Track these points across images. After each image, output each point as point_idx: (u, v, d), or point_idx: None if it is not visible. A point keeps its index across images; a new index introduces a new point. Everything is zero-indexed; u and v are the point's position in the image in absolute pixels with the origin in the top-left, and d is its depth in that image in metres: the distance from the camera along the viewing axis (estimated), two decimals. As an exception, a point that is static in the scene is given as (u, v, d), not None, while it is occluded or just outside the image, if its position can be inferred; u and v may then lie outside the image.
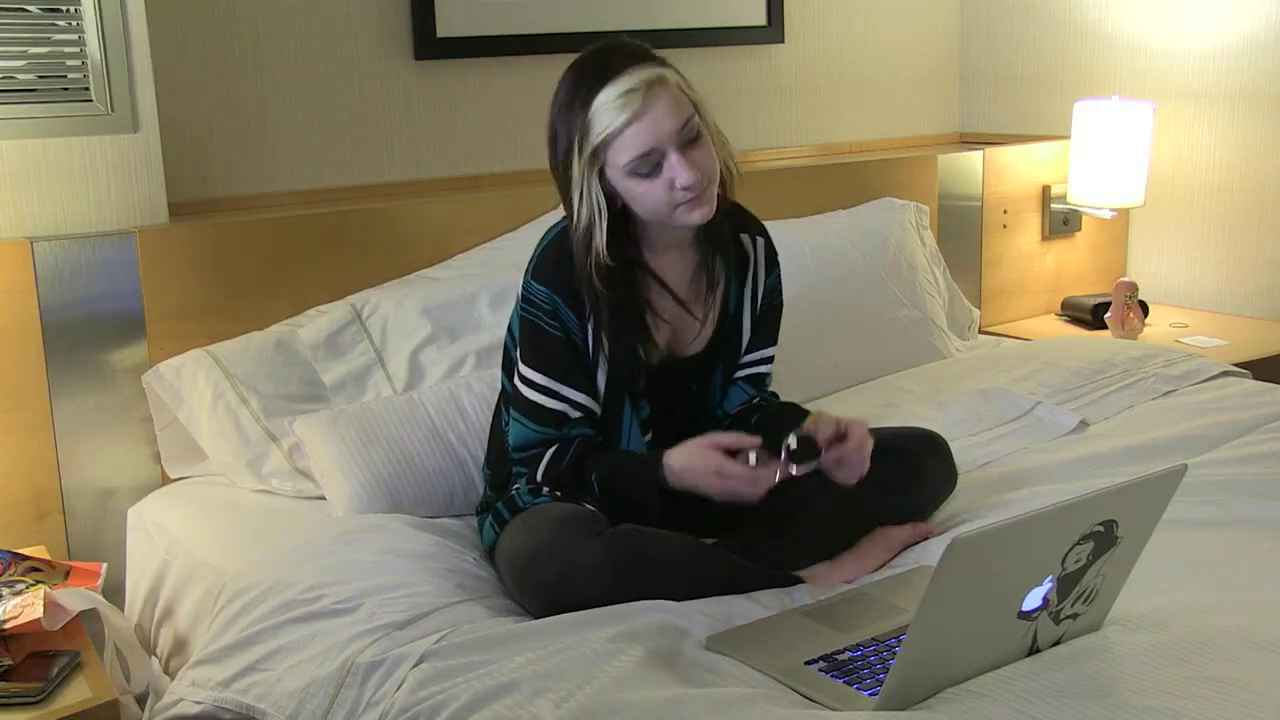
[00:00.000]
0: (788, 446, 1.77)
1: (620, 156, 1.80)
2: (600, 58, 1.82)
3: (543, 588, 1.70)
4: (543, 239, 1.94)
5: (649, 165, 1.80)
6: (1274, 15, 3.10)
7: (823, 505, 1.92)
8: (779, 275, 2.08)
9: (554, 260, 1.89)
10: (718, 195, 1.89)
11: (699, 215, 1.84)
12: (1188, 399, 2.49)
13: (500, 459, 2.01)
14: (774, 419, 1.98)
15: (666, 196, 1.82)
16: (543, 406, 1.89)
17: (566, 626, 1.60)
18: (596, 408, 1.91)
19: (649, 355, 1.93)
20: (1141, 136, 3.19)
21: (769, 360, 2.08)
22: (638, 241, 1.93)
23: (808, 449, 1.78)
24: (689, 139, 1.82)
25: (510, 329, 2.00)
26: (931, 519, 2.02)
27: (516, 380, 1.92)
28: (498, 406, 2.05)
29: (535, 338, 1.89)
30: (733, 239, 2.00)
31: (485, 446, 2.11)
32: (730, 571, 1.80)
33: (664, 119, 1.79)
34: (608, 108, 1.78)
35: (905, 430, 2.06)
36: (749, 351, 2.05)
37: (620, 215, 1.89)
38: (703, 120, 1.85)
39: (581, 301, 1.87)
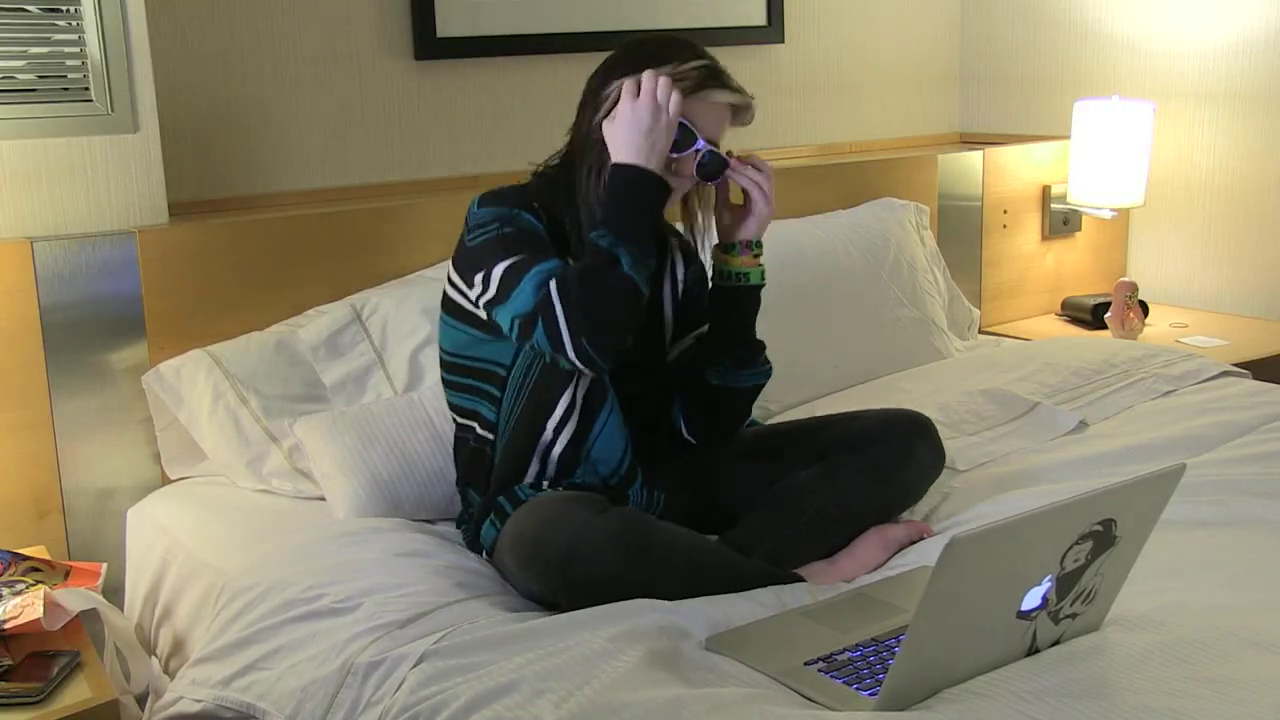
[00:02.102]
0: (699, 161, 1.88)
1: (689, 104, 1.85)
2: (705, 56, 1.91)
3: (551, 563, 1.70)
4: (476, 198, 1.94)
5: (685, 135, 1.85)
6: (1274, 15, 3.10)
7: (817, 501, 1.93)
8: (701, 265, 2.12)
9: (500, 196, 1.91)
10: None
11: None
12: (1188, 399, 2.49)
13: (471, 471, 2.01)
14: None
15: (678, 179, 1.88)
16: (524, 262, 1.83)
17: (566, 626, 1.60)
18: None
19: None
20: (1141, 136, 3.19)
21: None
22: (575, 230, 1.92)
23: (716, 162, 1.89)
24: (711, 167, 1.89)
25: (441, 344, 2.00)
26: (929, 515, 2.02)
27: (491, 291, 1.85)
28: (455, 432, 2.04)
29: (497, 244, 1.86)
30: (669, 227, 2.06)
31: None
32: (730, 563, 1.80)
33: (720, 129, 1.91)
34: (723, 91, 1.88)
35: (890, 412, 2.07)
36: (683, 335, 2.08)
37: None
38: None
39: (536, 212, 1.88)
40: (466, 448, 2.01)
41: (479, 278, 1.87)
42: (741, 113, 1.92)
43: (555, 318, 1.76)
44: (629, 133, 1.81)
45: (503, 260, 1.84)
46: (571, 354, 1.77)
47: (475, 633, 1.60)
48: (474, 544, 1.96)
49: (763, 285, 2.00)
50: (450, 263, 1.95)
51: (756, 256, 1.98)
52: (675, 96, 1.82)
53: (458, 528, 2.04)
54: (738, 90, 1.89)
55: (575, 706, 1.40)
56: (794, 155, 3.36)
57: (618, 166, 1.82)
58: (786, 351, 2.57)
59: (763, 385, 2.06)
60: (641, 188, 1.82)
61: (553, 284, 1.77)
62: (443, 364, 2.01)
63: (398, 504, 2.09)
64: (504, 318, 1.84)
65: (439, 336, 2.01)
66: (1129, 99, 3.21)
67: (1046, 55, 3.53)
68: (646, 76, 1.83)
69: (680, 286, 2.08)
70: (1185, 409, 2.42)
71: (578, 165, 1.91)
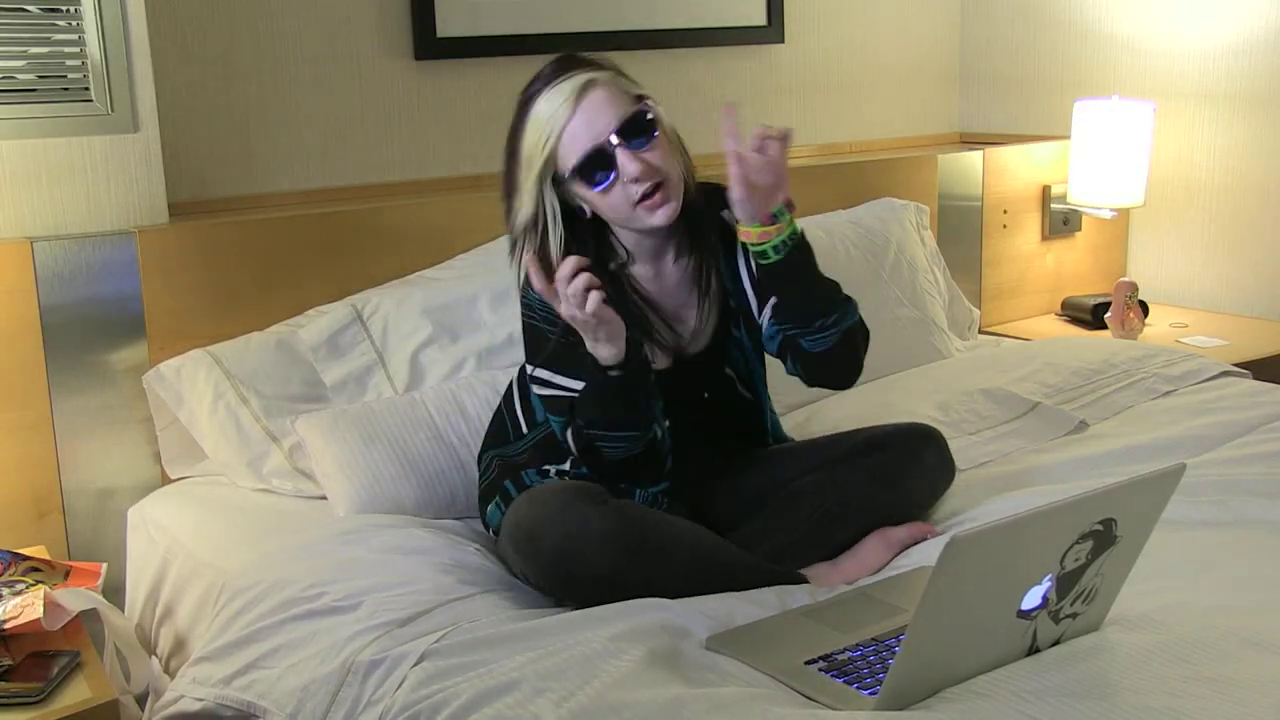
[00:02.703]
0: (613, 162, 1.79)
1: (568, 162, 1.80)
2: (537, 77, 1.84)
3: (547, 555, 1.70)
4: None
5: (599, 167, 1.79)
6: (1274, 15, 3.10)
7: (824, 505, 1.92)
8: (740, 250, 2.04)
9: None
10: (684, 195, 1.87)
11: (660, 216, 1.82)
12: (1188, 399, 2.49)
13: (498, 437, 2.01)
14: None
15: (624, 194, 1.81)
16: (555, 398, 1.88)
17: (566, 626, 1.60)
18: None
19: (652, 359, 1.91)
20: (1141, 136, 3.19)
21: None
22: (625, 257, 1.92)
23: (635, 129, 1.80)
24: (636, 134, 1.80)
25: None
26: (930, 516, 2.03)
27: (529, 378, 1.92)
28: (509, 386, 2.06)
29: (535, 339, 1.90)
30: (715, 223, 1.97)
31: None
32: (732, 560, 1.80)
33: (598, 116, 1.79)
34: (544, 117, 1.80)
35: (899, 425, 2.06)
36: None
37: (599, 228, 1.89)
38: (657, 120, 1.84)
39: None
40: (506, 408, 2.02)
41: (527, 361, 1.92)
42: (596, 80, 1.79)
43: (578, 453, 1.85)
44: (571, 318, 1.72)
45: (539, 366, 1.87)
46: None
47: (476, 631, 1.60)
48: (482, 516, 1.99)
49: (784, 256, 1.82)
50: None
51: (768, 228, 1.80)
52: (592, 299, 1.66)
53: (479, 504, 2.04)
54: (563, 82, 1.79)
55: (576, 706, 1.40)
56: (794, 155, 3.34)
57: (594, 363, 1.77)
58: (786, 351, 2.58)
59: (853, 326, 1.91)
60: (605, 387, 1.77)
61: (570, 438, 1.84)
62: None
63: (398, 503, 2.09)
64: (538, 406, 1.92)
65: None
66: (1129, 99, 3.21)
67: (1046, 55, 3.52)
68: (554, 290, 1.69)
69: (746, 279, 1.99)
70: (1185, 409, 2.41)
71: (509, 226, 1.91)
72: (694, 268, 1.96)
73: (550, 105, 1.80)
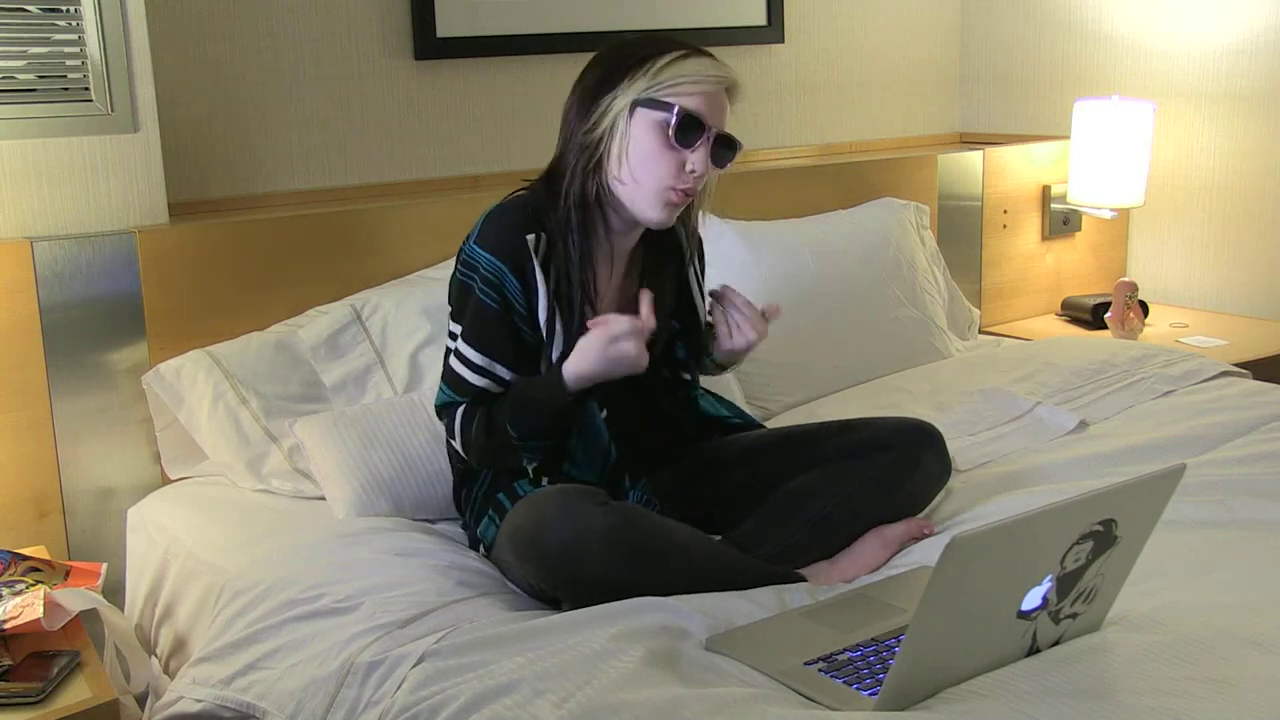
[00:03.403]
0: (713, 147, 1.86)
1: (678, 94, 1.81)
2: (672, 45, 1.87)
3: (549, 559, 1.70)
4: (489, 210, 1.93)
5: (689, 130, 1.82)
6: (1274, 15, 3.10)
7: (824, 508, 1.92)
8: (700, 264, 2.12)
9: (502, 228, 1.88)
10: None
11: (665, 215, 1.88)
12: (1188, 399, 2.49)
13: (465, 470, 2.02)
14: None
15: (667, 176, 1.84)
16: (464, 380, 1.89)
17: (566, 626, 1.60)
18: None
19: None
20: (1141, 136, 3.19)
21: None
22: (592, 238, 1.92)
23: (725, 147, 1.87)
24: (723, 151, 1.87)
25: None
26: (930, 515, 2.02)
27: (449, 342, 1.92)
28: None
29: (477, 312, 1.88)
30: (672, 242, 2.03)
31: None
32: (730, 562, 1.80)
33: (721, 112, 1.86)
34: (697, 66, 1.83)
35: (898, 421, 2.06)
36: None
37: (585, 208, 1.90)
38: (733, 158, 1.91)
39: (524, 270, 1.86)
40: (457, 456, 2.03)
41: (451, 322, 1.94)
42: (734, 91, 1.89)
43: (454, 441, 1.92)
44: (598, 363, 1.80)
45: (468, 342, 1.89)
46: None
47: (475, 632, 1.60)
48: (474, 542, 1.96)
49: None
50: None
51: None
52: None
53: (463, 528, 2.04)
54: (720, 69, 1.86)
55: (575, 706, 1.40)
56: (794, 155, 3.36)
57: (559, 380, 1.82)
58: (786, 351, 2.58)
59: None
60: (564, 415, 1.84)
61: (458, 421, 1.89)
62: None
63: (398, 504, 2.09)
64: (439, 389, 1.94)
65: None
66: (1129, 99, 3.21)
67: (1046, 55, 3.53)
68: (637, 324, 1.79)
69: (697, 298, 2.07)
70: (1185, 409, 2.41)
71: (560, 173, 1.90)
72: (651, 281, 1.98)
73: (710, 67, 1.84)
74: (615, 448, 1.92)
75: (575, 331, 1.88)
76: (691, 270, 2.07)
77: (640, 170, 1.85)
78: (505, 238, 1.87)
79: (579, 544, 1.68)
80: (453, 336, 1.92)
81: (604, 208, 1.91)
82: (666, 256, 2.02)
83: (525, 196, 1.94)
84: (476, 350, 1.89)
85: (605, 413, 1.93)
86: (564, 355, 1.86)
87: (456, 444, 1.93)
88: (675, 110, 1.81)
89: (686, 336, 2.06)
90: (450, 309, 1.95)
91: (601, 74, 1.87)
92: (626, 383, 1.90)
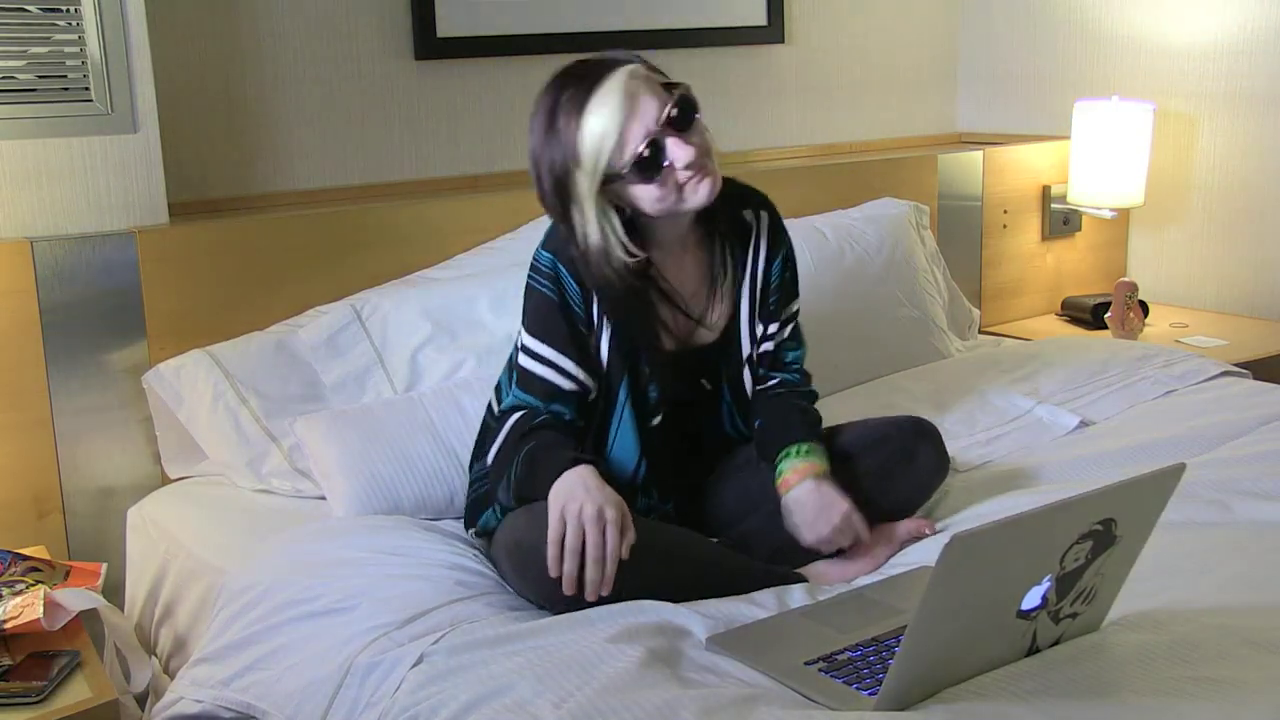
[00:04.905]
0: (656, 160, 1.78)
1: (623, 157, 1.76)
2: (574, 77, 1.79)
3: (544, 576, 1.68)
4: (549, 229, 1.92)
5: (653, 159, 1.77)
6: (1274, 15, 3.10)
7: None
8: (789, 250, 2.04)
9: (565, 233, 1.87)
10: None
11: (705, 191, 1.81)
12: (1188, 399, 2.49)
13: (486, 446, 2.00)
14: (767, 430, 1.96)
15: (672, 182, 1.80)
16: (532, 373, 1.87)
17: (566, 626, 1.60)
18: (591, 384, 1.88)
19: (659, 346, 1.91)
20: (1141, 136, 3.19)
21: (777, 339, 2.03)
22: (644, 243, 1.89)
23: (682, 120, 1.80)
24: (682, 121, 1.79)
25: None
26: (929, 515, 2.02)
27: (518, 347, 1.91)
28: (489, 404, 2.05)
29: (537, 304, 1.88)
30: (732, 219, 1.97)
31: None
32: (729, 566, 1.80)
33: (647, 105, 1.77)
34: (598, 120, 1.75)
35: (895, 419, 2.06)
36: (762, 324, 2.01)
37: (627, 221, 1.86)
38: (695, 102, 1.83)
39: (579, 276, 1.86)
40: (487, 428, 2.01)
41: (520, 326, 1.91)
42: (634, 74, 1.78)
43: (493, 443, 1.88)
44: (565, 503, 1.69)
45: (531, 334, 1.88)
46: None
47: (474, 633, 1.60)
48: (470, 520, 1.97)
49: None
50: None
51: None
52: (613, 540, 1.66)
53: (464, 517, 2.04)
54: (609, 87, 1.76)
55: (575, 706, 1.40)
56: (794, 155, 3.36)
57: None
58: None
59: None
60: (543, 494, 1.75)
61: (510, 423, 1.85)
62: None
63: (397, 504, 2.09)
64: (508, 388, 1.92)
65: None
66: (1129, 99, 3.22)
67: (1046, 55, 3.52)
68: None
69: (760, 269, 2.00)
70: (1185, 409, 2.41)
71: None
72: (710, 259, 1.97)
73: (602, 113, 1.75)
74: (646, 464, 1.89)
75: (629, 330, 1.87)
76: (758, 249, 2.00)
77: (646, 201, 1.82)
78: (566, 243, 1.85)
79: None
80: (520, 340, 1.90)
81: (642, 227, 1.88)
82: (742, 234, 1.98)
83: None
84: (536, 339, 1.87)
85: (658, 420, 1.90)
86: (611, 362, 1.86)
87: (494, 445, 1.88)
88: (624, 170, 1.77)
89: (754, 315, 2.01)
90: (523, 318, 1.92)
91: (541, 179, 1.82)
92: (685, 405, 1.93)
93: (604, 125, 1.75)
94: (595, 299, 1.87)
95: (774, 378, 2.04)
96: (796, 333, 2.07)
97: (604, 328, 1.87)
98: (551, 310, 1.86)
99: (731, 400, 2.02)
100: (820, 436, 1.96)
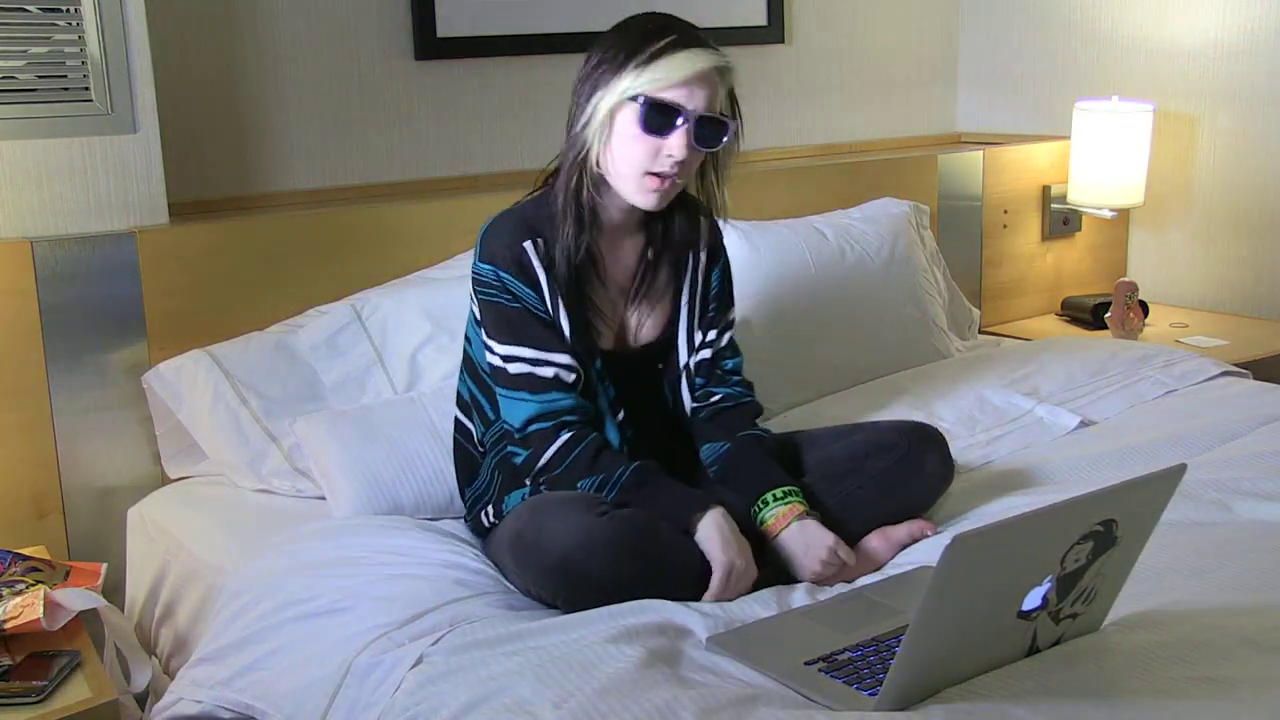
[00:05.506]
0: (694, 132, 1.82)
1: (655, 87, 1.80)
2: (690, 32, 1.86)
3: (549, 566, 1.69)
4: (484, 227, 1.94)
5: (658, 118, 1.80)
6: (1274, 15, 3.10)
7: (824, 505, 1.92)
8: (726, 260, 2.08)
9: (496, 239, 1.90)
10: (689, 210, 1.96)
11: (655, 198, 1.86)
12: (1188, 399, 2.49)
13: (469, 478, 2.02)
14: (734, 467, 1.96)
15: (646, 160, 1.82)
16: (536, 375, 1.87)
17: (565, 626, 1.60)
18: (580, 370, 1.90)
19: (598, 340, 1.94)
20: (1141, 136, 3.19)
21: (714, 346, 2.03)
22: (591, 225, 1.92)
23: (710, 127, 1.84)
24: (704, 132, 1.83)
25: (466, 334, 2.01)
26: (930, 515, 2.02)
27: (497, 361, 1.90)
28: (454, 438, 2.05)
29: (500, 315, 1.89)
30: (676, 223, 2.00)
31: None
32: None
33: (704, 96, 1.82)
34: (676, 61, 1.80)
35: (900, 424, 2.06)
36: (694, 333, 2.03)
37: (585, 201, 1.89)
38: (730, 141, 1.88)
39: (529, 275, 1.87)
40: (463, 454, 2.02)
41: (484, 337, 1.92)
42: (725, 73, 1.87)
43: (540, 455, 1.86)
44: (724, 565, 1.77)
45: (509, 343, 1.88)
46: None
47: (474, 633, 1.60)
48: (476, 527, 1.98)
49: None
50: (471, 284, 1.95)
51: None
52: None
53: (466, 519, 2.05)
54: (697, 62, 1.82)
55: (575, 707, 1.40)
56: (794, 155, 3.35)
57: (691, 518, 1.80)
58: (786, 351, 2.58)
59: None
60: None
61: (558, 460, 1.85)
62: (466, 359, 2.02)
63: (397, 504, 2.09)
64: (504, 397, 1.89)
65: (467, 329, 2.01)
66: (1129, 99, 3.22)
67: (1046, 55, 3.52)
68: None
69: (699, 289, 2.04)
70: (1185, 409, 2.41)
71: (559, 169, 1.90)
72: (644, 255, 1.98)
73: (681, 60, 1.81)
74: (628, 449, 1.92)
75: (581, 322, 1.89)
76: (698, 257, 2.03)
77: (620, 158, 1.84)
78: (504, 248, 1.88)
79: (577, 552, 1.68)
80: (495, 353, 1.90)
81: (600, 194, 1.91)
82: (682, 241, 2.01)
83: (517, 207, 1.95)
84: (509, 344, 1.88)
85: (622, 414, 1.94)
86: (577, 351, 1.87)
87: (545, 460, 1.87)
88: (641, 101, 1.80)
89: (692, 322, 2.03)
90: (483, 335, 1.93)
91: (590, 70, 1.87)
92: (640, 384, 1.93)
93: (675, 67, 1.80)
94: (547, 295, 1.88)
95: (716, 393, 2.03)
96: (733, 342, 2.08)
97: (561, 322, 1.89)
98: (516, 314, 1.88)
99: (672, 407, 2.04)
100: (786, 468, 1.96)
